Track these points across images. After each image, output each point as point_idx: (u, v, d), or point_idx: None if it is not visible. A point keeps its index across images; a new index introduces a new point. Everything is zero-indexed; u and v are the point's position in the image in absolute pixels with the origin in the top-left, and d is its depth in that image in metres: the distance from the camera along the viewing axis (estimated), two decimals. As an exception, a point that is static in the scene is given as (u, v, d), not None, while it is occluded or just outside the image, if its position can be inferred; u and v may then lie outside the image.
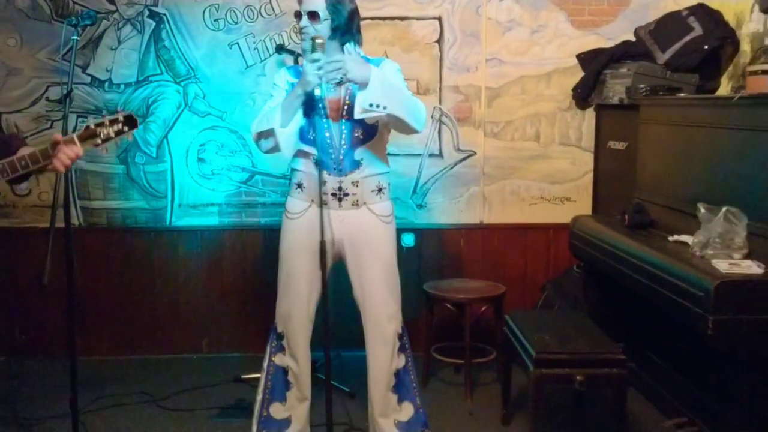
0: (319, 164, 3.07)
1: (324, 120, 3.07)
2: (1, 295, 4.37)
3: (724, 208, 2.81)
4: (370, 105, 2.89)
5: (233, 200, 4.44)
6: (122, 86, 4.38)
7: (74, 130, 2.69)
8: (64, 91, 2.99)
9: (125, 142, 4.25)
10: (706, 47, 3.86)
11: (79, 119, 4.27)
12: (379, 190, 3.17)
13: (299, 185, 3.17)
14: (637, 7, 4.40)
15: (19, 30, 4.30)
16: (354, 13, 3.14)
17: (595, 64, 4.27)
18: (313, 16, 3.02)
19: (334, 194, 3.12)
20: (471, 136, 4.48)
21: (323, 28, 3.03)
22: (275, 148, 3.07)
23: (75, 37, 3.07)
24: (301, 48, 3.14)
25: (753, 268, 2.67)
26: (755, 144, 2.89)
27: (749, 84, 2.99)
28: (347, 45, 3.13)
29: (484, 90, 4.45)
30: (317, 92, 2.98)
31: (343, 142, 3.07)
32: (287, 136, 3.02)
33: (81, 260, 4.13)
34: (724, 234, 2.82)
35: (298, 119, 3.03)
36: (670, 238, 3.22)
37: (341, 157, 3.09)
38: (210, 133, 4.40)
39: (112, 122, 2.65)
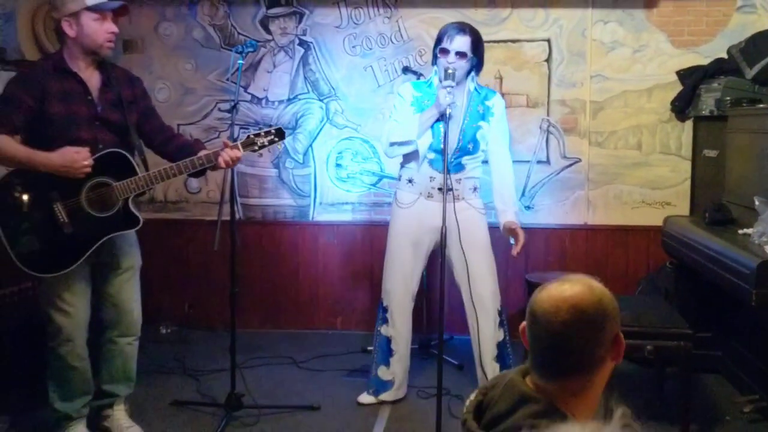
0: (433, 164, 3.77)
1: (444, 134, 3.72)
2: (174, 275, 5.28)
3: (775, 201, 3.22)
4: None
5: (364, 200, 5.15)
6: (276, 103, 5.21)
7: (236, 139, 3.48)
8: (232, 104, 3.80)
9: (277, 150, 5.09)
10: (791, 63, 4.21)
11: (241, 130, 5.10)
12: (474, 188, 3.82)
13: (410, 180, 3.83)
14: (735, 27, 4.77)
15: (194, 56, 5.22)
16: (483, 51, 3.81)
17: (692, 80, 4.68)
18: (462, 55, 3.69)
19: (440, 189, 3.75)
20: (576, 145, 4.99)
21: (466, 65, 3.72)
22: (413, 154, 3.79)
23: (240, 62, 3.88)
24: (439, 77, 3.77)
25: (797, 251, 3.08)
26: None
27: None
28: (471, 73, 3.79)
29: (588, 103, 4.95)
30: (449, 111, 3.55)
31: (455, 147, 3.72)
32: (422, 145, 3.73)
33: (239, 248, 4.93)
34: (776, 224, 3.22)
35: (429, 133, 3.72)
36: (740, 231, 3.62)
37: (452, 160, 3.73)
38: (347, 143, 5.14)
39: (267, 134, 3.42)
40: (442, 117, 3.57)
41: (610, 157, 4.98)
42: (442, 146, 3.70)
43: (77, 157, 3.13)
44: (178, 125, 5.19)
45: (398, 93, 3.91)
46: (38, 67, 3.35)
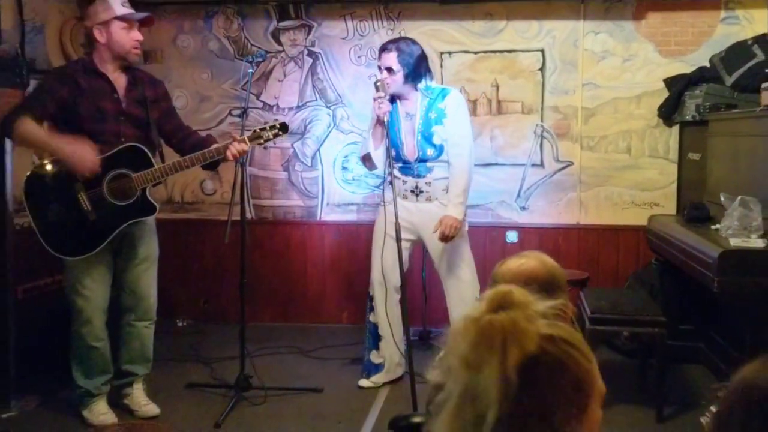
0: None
1: (401, 141, 4.03)
2: (191, 272, 5.60)
3: (740, 197, 3.49)
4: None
5: (368, 201, 5.46)
6: (286, 110, 5.53)
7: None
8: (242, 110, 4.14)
9: (287, 154, 5.38)
10: (767, 70, 4.47)
11: (253, 135, 5.44)
12: (448, 189, 4.08)
13: (390, 183, 4.12)
14: (719, 38, 5.03)
15: (210, 66, 5.56)
16: (420, 58, 4.11)
17: (677, 87, 4.96)
18: (389, 70, 4.02)
19: (412, 191, 4.09)
20: (569, 149, 5.27)
21: (398, 77, 4.03)
22: (373, 166, 4.11)
23: (251, 71, 4.21)
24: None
25: (757, 243, 3.35)
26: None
27: (765, 98, 3.65)
28: (419, 84, 4.09)
29: (580, 110, 5.23)
30: (385, 119, 3.92)
31: (416, 156, 4.02)
32: (379, 156, 4.03)
33: (250, 246, 5.22)
34: (741, 218, 3.49)
35: (386, 142, 4.00)
36: (712, 227, 3.89)
37: (417, 165, 4.04)
38: (352, 147, 5.44)
39: (272, 128, 3.76)
40: (383, 125, 3.93)
41: (601, 161, 5.25)
42: (402, 154, 4.03)
43: (86, 155, 3.43)
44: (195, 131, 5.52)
45: (371, 114, 4.22)
46: (70, 67, 3.73)
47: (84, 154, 3.44)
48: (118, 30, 3.56)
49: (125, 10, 3.60)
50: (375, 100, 3.94)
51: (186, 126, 3.95)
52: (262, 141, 3.75)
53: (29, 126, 3.45)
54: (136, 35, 3.63)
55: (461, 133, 4.07)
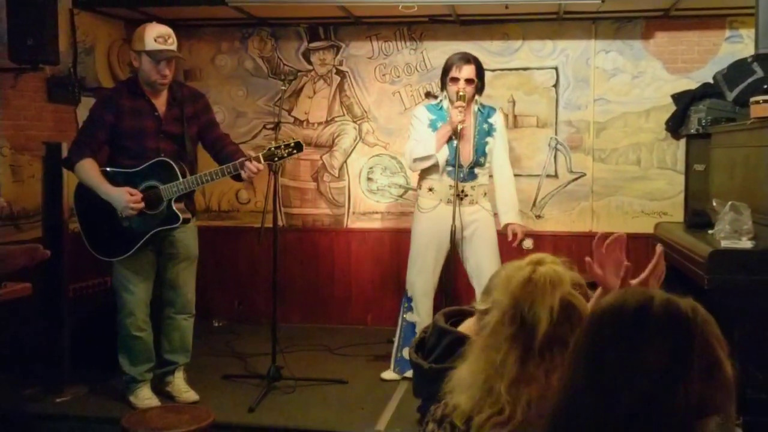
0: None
1: (456, 148, 4.35)
2: (226, 276, 5.98)
3: (730, 202, 3.77)
4: None
5: (392, 209, 5.82)
6: (316, 124, 5.91)
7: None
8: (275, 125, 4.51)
9: (317, 166, 5.72)
10: (765, 86, 4.75)
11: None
12: (485, 194, 4.46)
13: (430, 189, 4.45)
14: (723, 56, 5.33)
15: (245, 84, 5.97)
16: (484, 75, 4.47)
17: (682, 102, 5.25)
18: (470, 81, 4.36)
19: (458, 195, 4.40)
20: (582, 161, 5.58)
21: (474, 88, 4.38)
22: (433, 167, 4.41)
23: (283, 89, 4.58)
24: (450, 99, 4.42)
25: (746, 243, 3.63)
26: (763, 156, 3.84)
27: (753, 111, 3.93)
28: (477, 96, 4.46)
29: (592, 124, 5.55)
30: (460, 127, 4.27)
31: (470, 161, 4.37)
32: (441, 157, 4.36)
33: (282, 252, 5.57)
34: (732, 222, 3.77)
35: (446, 146, 4.35)
36: (710, 231, 4.17)
37: (467, 170, 4.38)
38: (376, 159, 5.82)
39: (286, 146, 4.02)
40: (454, 132, 4.24)
41: (612, 172, 5.56)
42: (455, 159, 4.36)
43: (128, 198, 3.86)
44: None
45: (415, 116, 4.55)
46: (115, 89, 4.15)
47: (124, 198, 3.84)
48: (147, 62, 3.91)
49: (156, 46, 3.90)
50: (455, 108, 4.26)
51: (224, 137, 4.27)
52: (276, 159, 3.99)
53: (88, 167, 3.90)
54: (163, 71, 3.93)
55: (506, 148, 4.55)
